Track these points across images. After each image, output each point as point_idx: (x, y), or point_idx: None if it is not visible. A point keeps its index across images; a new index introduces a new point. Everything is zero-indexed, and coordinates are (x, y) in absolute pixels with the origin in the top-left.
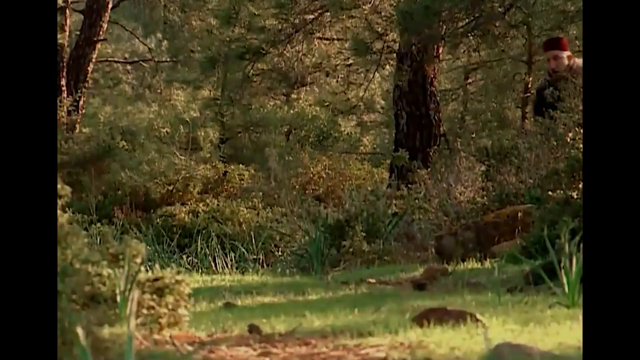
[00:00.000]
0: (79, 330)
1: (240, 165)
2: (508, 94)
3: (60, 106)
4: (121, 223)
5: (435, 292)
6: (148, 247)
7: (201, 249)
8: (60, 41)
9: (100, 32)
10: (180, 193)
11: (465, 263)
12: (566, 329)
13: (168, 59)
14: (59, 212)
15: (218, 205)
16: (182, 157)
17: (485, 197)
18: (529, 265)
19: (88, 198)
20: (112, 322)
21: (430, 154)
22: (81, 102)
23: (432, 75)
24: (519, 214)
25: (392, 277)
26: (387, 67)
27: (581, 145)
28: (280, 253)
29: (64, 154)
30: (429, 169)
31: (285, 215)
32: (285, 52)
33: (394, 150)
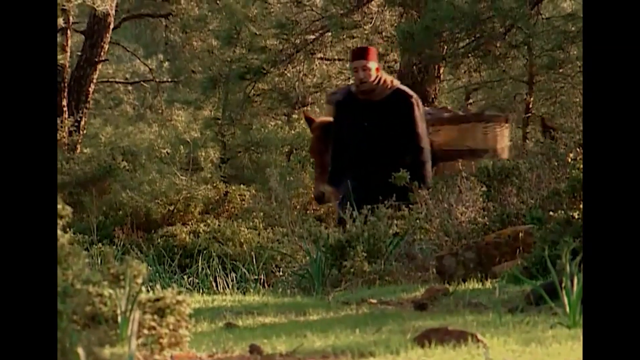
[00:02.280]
0: (80, 351)
1: (241, 185)
2: (509, 114)
3: (61, 127)
4: (122, 243)
5: (436, 312)
6: (149, 267)
7: (202, 269)
8: (61, 62)
9: (102, 53)
10: (181, 213)
11: (466, 283)
12: (567, 349)
13: (169, 80)
14: (59, 232)
15: (219, 225)
16: (183, 178)
17: (486, 218)
18: (530, 286)
19: (89, 218)
20: (113, 342)
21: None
22: (82, 123)
23: (433, 95)
24: (520, 234)
25: (393, 297)
26: None
27: (582, 166)
28: (281, 273)
29: (65, 174)
30: (430, 189)
31: (286, 235)
32: (286, 72)
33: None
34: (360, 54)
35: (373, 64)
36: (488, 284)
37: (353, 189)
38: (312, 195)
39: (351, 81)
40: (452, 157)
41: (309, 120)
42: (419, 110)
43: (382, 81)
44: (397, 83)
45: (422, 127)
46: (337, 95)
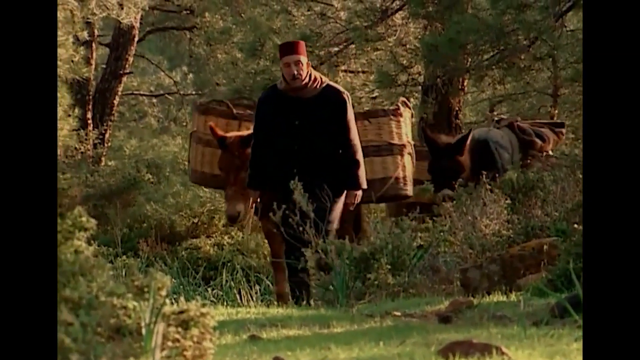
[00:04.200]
0: None
1: None
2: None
3: (86, 139)
4: (146, 256)
5: (460, 325)
6: (173, 279)
7: (226, 281)
8: (86, 74)
9: (126, 66)
10: (206, 226)
11: (490, 296)
12: None
13: (193, 92)
14: (84, 245)
15: (243, 237)
16: (207, 190)
17: (510, 230)
18: (554, 299)
19: (113, 231)
20: (138, 354)
21: (456, 186)
22: (107, 135)
23: (457, 108)
24: (545, 247)
25: (417, 310)
26: (412, 99)
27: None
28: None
29: (90, 186)
30: (454, 202)
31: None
32: None
33: (419, 182)
34: (291, 48)
35: (304, 59)
36: (512, 297)
37: (285, 190)
38: (226, 215)
39: (375, 93)
40: (368, 154)
41: (218, 136)
42: (351, 108)
43: (313, 77)
44: (325, 79)
45: (354, 125)
46: (262, 93)
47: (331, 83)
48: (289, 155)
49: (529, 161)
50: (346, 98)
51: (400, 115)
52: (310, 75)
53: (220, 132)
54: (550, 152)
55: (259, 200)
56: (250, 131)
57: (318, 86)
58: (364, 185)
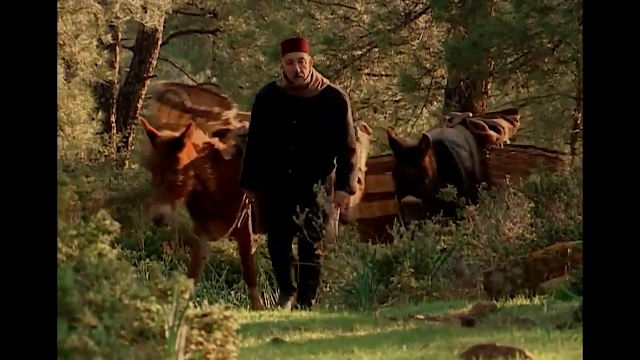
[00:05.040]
0: None
1: None
2: (557, 130)
3: (109, 143)
4: (170, 259)
5: (483, 329)
6: (196, 283)
7: None
8: (109, 78)
9: (150, 69)
10: None
11: (514, 299)
12: None
13: None
14: (107, 248)
15: (266, 240)
16: None
17: (534, 234)
18: (578, 302)
19: (137, 234)
20: (161, 357)
21: (479, 189)
22: (130, 139)
23: (481, 111)
24: (568, 250)
25: (440, 313)
26: (435, 102)
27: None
28: (328, 289)
29: (113, 190)
30: (477, 205)
31: (333, 251)
32: None
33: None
34: (296, 45)
35: (308, 57)
36: (536, 300)
37: (281, 190)
38: (150, 218)
39: (399, 97)
40: None
41: (147, 130)
42: (350, 110)
43: (314, 77)
44: (326, 80)
45: (352, 128)
46: (260, 90)
47: (331, 84)
48: (285, 155)
49: (487, 156)
50: (346, 100)
51: (358, 141)
52: (312, 75)
53: (150, 127)
54: (508, 141)
55: (249, 211)
56: (181, 133)
57: (319, 87)
58: (354, 189)
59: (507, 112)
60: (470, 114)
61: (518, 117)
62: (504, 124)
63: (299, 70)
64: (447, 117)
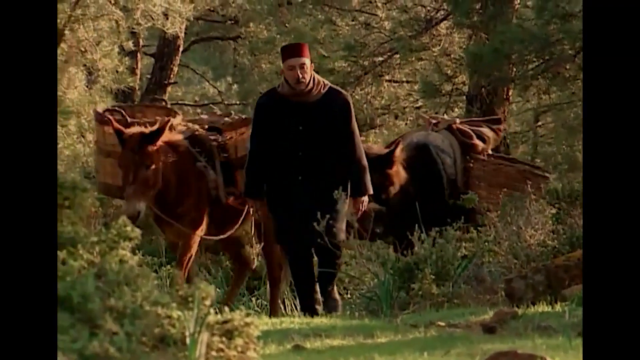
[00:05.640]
0: None
1: None
2: (579, 136)
3: None
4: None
5: (505, 336)
6: (217, 289)
7: None
8: (131, 84)
9: (171, 76)
10: (250, 235)
11: (535, 306)
12: None
13: (238, 102)
14: (129, 254)
15: (285, 253)
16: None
17: (555, 240)
18: None
19: (158, 240)
20: None
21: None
22: None
23: (502, 118)
24: None
25: (461, 320)
26: (457, 109)
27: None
28: (349, 296)
29: None
30: (498, 212)
31: (354, 257)
32: (354, 94)
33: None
34: (297, 50)
35: (309, 62)
36: (558, 307)
37: (292, 197)
38: (127, 215)
39: (420, 103)
40: None
41: (115, 129)
42: (353, 111)
43: (316, 80)
44: (327, 82)
45: (357, 129)
46: (260, 97)
47: (333, 86)
48: (293, 162)
49: (471, 164)
50: (349, 99)
51: None
52: (313, 79)
53: (117, 126)
54: (490, 151)
55: (253, 222)
56: (154, 128)
57: (321, 90)
58: (370, 191)
59: (491, 122)
60: (457, 120)
61: (502, 127)
62: (489, 133)
63: (300, 76)
64: (434, 121)
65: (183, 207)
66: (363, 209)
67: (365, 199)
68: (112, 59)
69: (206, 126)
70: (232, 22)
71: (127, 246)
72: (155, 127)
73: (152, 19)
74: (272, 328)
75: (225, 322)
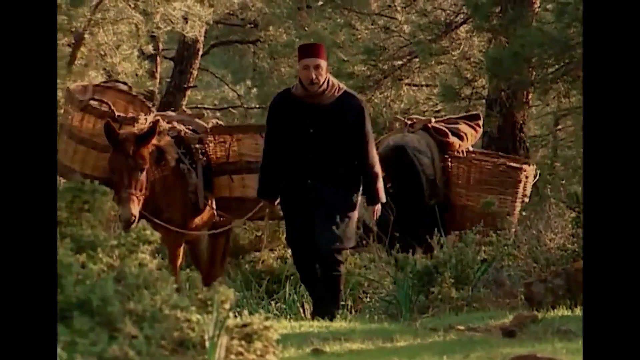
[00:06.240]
0: None
1: None
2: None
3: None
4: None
5: (524, 340)
6: (236, 292)
7: (289, 294)
8: (151, 88)
9: (191, 79)
10: (269, 239)
11: (555, 310)
12: None
13: (257, 106)
14: (148, 257)
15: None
16: None
17: (575, 244)
18: None
19: None
20: None
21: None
22: None
23: (522, 121)
24: None
25: (481, 324)
26: None
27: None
28: (368, 299)
29: None
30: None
31: (373, 261)
32: (373, 98)
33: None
34: (312, 50)
35: (325, 63)
36: (577, 311)
37: (303, 203)
38: (121, 219)
39: (439, 107)
40: (256, 170)
41: (113, 132)
42: (369, 117)
43: (330, 83)
44: (342, 86)
45: (372, 135)
46: (274, 97)
47: (349, 90)
48: (302, 164)
49: (449, 163)
50: (364, 106)
51: None
52: (328, 81)
53: (113, 126)
54: (470, 148)
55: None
56: (144, 129)
57: (335, 93)
58: (383, 199)
59: (469, 118)
60: (433, 119)
61: (481, 122)
62: (467, 129)
63: (314, 77)
64: (409, 122)
65: (169, 211)
66: (376, 217)
67: (378, 207)
68: (131, 63)
69: (190, 127)
70: (252, 25)
71: (147, 249)
72: (146, 128)
73: (172, 22)
74: (292, 332)
75: (245, 325)
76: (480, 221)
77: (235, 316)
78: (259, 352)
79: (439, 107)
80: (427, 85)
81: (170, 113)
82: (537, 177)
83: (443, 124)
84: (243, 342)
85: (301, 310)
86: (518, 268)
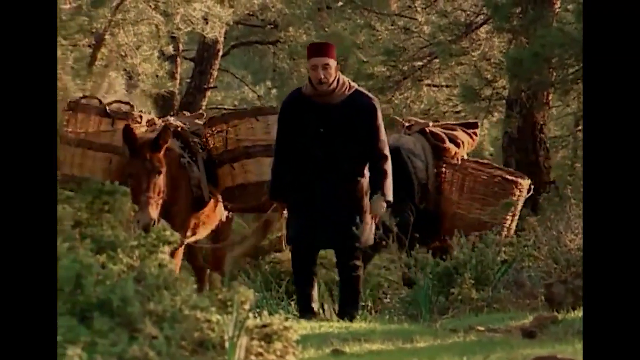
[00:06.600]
0: None
1: None
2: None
3: None
4: (230, 269)
5: (545, 340)
6: (256, 293)
7: None
8: (171, 89)
9: (211, 80)
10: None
11: (575, 311)
12: None
13: (277, 106)
14: (168, 258)
15: (326, 252)
16: None
17: None
18: None
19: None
20: None
21: (540, 201)
22: None
23: (542, 122)
24: None
25: (501, 325)
26: (496, 113)
27: None
28: (388, 300)
29: None
30: (538, 216)
31: (393, 262)
32: (393, 98)
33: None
34: (321, 50)
35: (334, 63)
36: None
37: (311, 202)
38: (141, 224)
39: (459, 107)
40: (255, 154)
41: (132, 137)
42: (381, 115)
43: (341, 82)
44: (354, 84)
45: (384, 133)
46: (286, 97)
47: (360, 88)
48: (313, 165)
49: (443, 169)
50: (376, 104)
51: None
52: (338, 80)
53: (133, 131)
54: (465, 156)
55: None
56: (155, 134)
57: (346, 91)
58: (390, 198)
59: (467, 125)
60: (431, 123)
61: (478, 131)
62: (464, 137)
63: (322, 76)
64: (406, 124)
65: (175, 207)
66: (381, 215)
67: (384, 204)
68: (152, 64)
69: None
70: (272, 26)
71: (167, 250)
72: (157, 132)
73: (192, 23)
74: (311, 332)
75: (264, 326)
76: (470, 230)
77: (255, 317)
78: (278, 353)
79: (459, 108)
80: (447, 86)
81: (169, 117)
82: (531, 192)
83: (440, 129)
84: (263, 343)
85: (321, 311)
86: (538, 269)
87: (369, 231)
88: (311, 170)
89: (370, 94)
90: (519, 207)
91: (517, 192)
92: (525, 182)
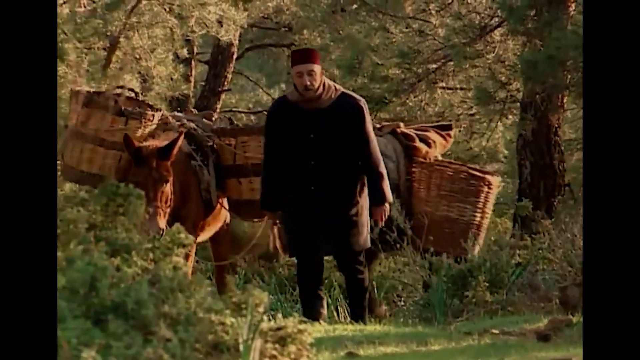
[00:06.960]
0: None
1: None
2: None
3: None
4: (244, 272)
5: (559, 344)
6: (271, 296)
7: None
8: (185, 92)
9: (225, 83)
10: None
11: None
12: None
13: None
14: (182, 261)
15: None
16: None
17: None
18: None
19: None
20: None
21: (554, 203)
22: None
23: (557, 125)
24: None
25: (515, 328)
26: (511, 116)
27: None
28: (402, 303)
29: None
30: (552, 219)
31: (407, 265)
32: (408, 101)
33: (518, 200)
34: (305, 56)
35: (319, 68)
36: None
37: (306, 210)
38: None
39: (474, 110)
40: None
41: (134, 147)
42: (369, 116)
43: (326, 86)
44: (340, 87)
45: (373, 135)
46: (271, 105)
47: (346, 91)
48: (305, 172)
49: (414, 169)
50: (363, 105)
51: None
52: (323, 85)
53: (137, 143)
54: (439, 157)
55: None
56: (168, 141)
57: (332, 95)
58: (390, 199)
59: (441, 127)
60: (401, 124)
61: (452, 132)
62: (436, 137)
63: (308, 83)
64: (377, 126)
65: (184, 208)
66: (385, 218)
67: (387, 206)
68: (166, 66)
69: (198, 126)
70: (286, 29)
71: (181, 253)
72: (168, 141)
73: (207, 26)
74: (326, 335)
75: (279, 328)
76: (438, 228)
77: (270, 319)
78: (293, 356)
79: (474, 110)
80: (461, 89)
81: (177, 113)
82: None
83: (412, 130)
84: (277, 346)
85: (335, 314)
86: (553, 272)
87: (366, 233)
88: (304, 177)
89: (356, 96)
90: (490, 205)
91: (486, 189)
92: (495, 180)
